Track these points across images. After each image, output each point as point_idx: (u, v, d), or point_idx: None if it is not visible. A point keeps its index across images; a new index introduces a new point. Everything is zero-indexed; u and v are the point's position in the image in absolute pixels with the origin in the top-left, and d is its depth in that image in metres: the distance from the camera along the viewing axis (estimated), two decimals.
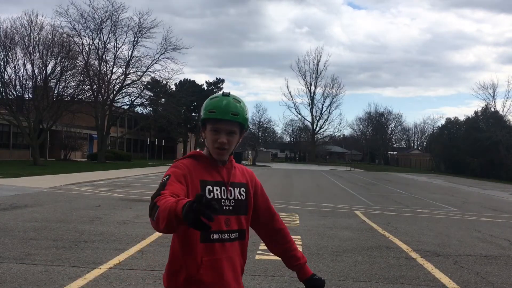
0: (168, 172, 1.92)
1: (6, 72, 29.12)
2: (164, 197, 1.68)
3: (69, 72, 32.65)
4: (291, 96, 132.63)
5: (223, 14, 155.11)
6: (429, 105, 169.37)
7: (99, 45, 39.32)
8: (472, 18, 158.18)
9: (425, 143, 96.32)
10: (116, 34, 39.85)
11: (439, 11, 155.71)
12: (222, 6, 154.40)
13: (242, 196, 2.06)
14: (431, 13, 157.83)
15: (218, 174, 2.00)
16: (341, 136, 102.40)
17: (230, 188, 2.02)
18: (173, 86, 55.30)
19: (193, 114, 63.68)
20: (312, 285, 2.21)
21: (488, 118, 52.41)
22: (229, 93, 2.01)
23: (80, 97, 35.19)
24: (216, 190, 1.97)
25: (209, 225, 1.41)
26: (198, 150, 2.12)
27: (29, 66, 30.17)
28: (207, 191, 1.94)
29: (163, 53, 41.76)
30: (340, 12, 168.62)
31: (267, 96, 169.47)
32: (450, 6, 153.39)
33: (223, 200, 1.98)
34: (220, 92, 2.07)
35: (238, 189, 2.05)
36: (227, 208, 1.99)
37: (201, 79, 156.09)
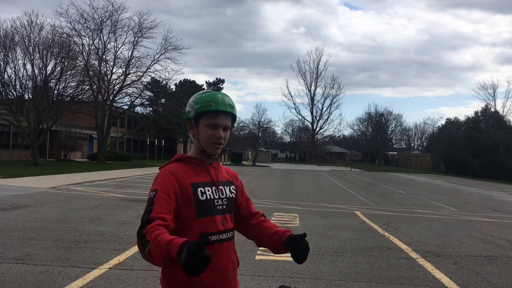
0: (155, 186, 1.88)
1: (6, 72, 29.14)
2: (153, 230, 1.68)
3: (69, 72, 32.68)
4: (291, 96, 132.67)
5: (220, 15, 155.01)
6: (427, 105, 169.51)
7: (99, 45, 39.35)
8: (468, 19, 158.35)
9: (425, 144, 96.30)
10: (116, 34, 39.88)
11: (436, 11, 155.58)
12: (219, 6, 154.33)
13: (232, 194, 2.07)
14: (428, 14, 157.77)
15: (207, 174, 1.99)
16: (341, 136, 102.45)
17: (220, 187, 2.01)
18: (173, 86, 55.39)
19: None
20: (301, 238, 1.93)
21: (488, 119, 52.36)
22: (218, 88, 1.98)
23: (80, 97, 35.18)
24: (208, 190, 1.96)
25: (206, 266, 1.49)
26: (182, 153, 2.10)
27: (29, 66, 30.23)
28: (199, 193, 1.92)
29: (163, 53, 41.74)
30: (336, 12, 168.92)
31: (266, 96, 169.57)
32: (446, 7, 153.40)
33: (216, 200, 1.98)
34: (208, 89, 2.04)
35: (228, 187, 2.06)
36: (221, 207, 1.99)
37: (200, 79, 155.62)
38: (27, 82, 30.97)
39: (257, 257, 6.30)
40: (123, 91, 41.70)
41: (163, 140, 50.87)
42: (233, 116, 1.99)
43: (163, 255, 1.58)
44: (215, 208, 1.96)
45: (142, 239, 1.69)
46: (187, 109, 2.00)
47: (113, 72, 40.86)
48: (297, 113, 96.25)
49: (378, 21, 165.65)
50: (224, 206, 2.01)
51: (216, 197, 1.98)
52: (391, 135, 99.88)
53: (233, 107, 1.97)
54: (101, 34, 39.18)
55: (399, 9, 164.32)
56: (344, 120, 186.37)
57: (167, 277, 1.91)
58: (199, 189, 1.93)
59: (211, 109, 1.92)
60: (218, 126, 1.94)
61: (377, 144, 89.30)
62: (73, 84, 33.98)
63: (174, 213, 1.83)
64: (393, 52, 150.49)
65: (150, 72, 41.95)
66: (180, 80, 61.31)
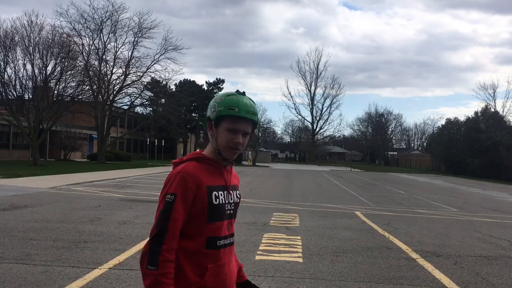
0: (173, 188, 1.85)
1: (6, 72, 29.13)
2: (165, 267, 1.88)
3: (69, 72, 32.65)
4: (291, 96, 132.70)
5: (219, 15, 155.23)
6: (427, 105, 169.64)
7: (99, 46, 39.41)
8: (467, 19, 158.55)
9: (425, 144, 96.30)
10: (116, 34, 39.96)
11: (434, 12, 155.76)
12: (218, 6, 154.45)
13: (237, 199, 2.06)
14: (426, 14, 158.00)
15: (221, 177, 1.97)
16: (341, 136, 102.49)
17: (230, 191, 2.00)
18: (173, 87, 55.39)
19: (193, 115, 63.64)
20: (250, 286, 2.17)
21: (488, 119, 52.32)
22: (243, 92, 1.95)
23: (80, 97, 35.19)
24: (221, 195, 1.94)
25: None
26: (198, 150, 2.07)
27: (29, 66, 30.22)
28: (213, 197, 1.90)
29: (163, 53, 41.85)
30: (336, 12, 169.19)
31: (265, 97, 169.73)
32: (445, 7, 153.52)
33: (226, 204, 1.96)
34: (233, 90, 2.01)
35: (235, 191, 2.05)
36: (229, 212, 1.98)
37: (199, 79, 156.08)
38: (27, 82, 31.05)
39: (257, 257, 6.28)
40: (123, 91, 41.76)
41: (163, 140, 50.85)
42: (254, 123, 1.96)
43: None
44: (225, 213, 1.95)
45: (154, 258, 1.89)
46: (210, 108, 1.97)
47: (113, 72, 40.98)
48: (297, 113, 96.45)
49: (377, 22, 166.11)
50: (232, 211, 2.00)
51: (226, 201, 1.96)
52: (391, 135, 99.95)
53: (255, 114, 1.93)
54: (101, 34, 39.29)
55: (398, 10, 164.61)
56: (344, 120, 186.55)
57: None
58: (213, 193, 1.91)
59: (233, 114, 1.88)
60: (238, 131, 1.91)
61: (377, 144, 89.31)
62: (73, 84, 34.03)
63: (185, 221, 1.86)
64: (392, 52, 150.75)
65: (150, 72, 42.08)
66: (180, 80, 61.51)
